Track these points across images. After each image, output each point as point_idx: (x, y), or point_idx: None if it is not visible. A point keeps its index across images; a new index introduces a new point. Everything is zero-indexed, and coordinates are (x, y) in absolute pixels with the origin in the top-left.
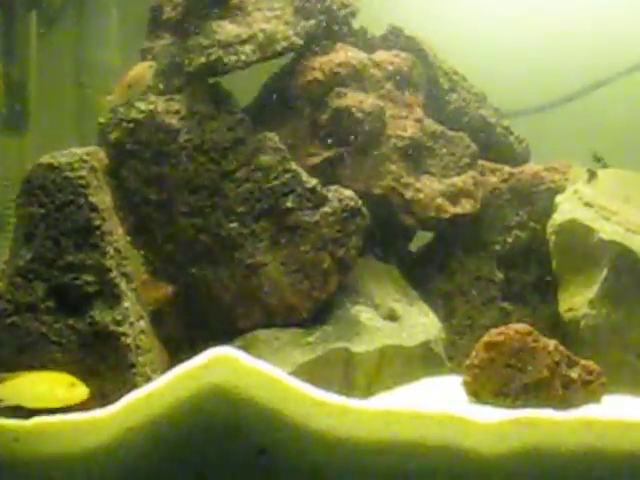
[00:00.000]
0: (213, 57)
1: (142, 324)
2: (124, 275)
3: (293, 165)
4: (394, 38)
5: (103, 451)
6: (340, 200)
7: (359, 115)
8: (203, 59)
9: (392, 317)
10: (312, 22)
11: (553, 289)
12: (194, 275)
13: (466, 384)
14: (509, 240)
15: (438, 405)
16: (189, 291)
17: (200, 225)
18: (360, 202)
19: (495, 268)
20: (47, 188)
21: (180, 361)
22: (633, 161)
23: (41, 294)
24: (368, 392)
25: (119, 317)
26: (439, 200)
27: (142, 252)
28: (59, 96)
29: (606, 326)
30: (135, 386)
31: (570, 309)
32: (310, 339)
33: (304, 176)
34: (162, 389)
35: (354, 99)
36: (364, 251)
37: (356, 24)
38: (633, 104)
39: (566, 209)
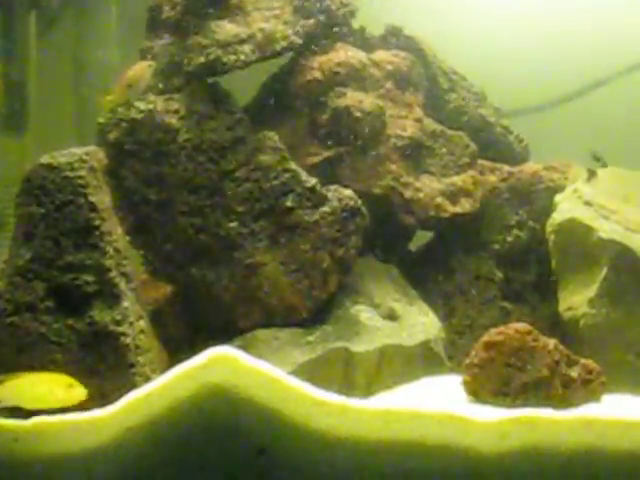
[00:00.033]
0: (212, 57)
1: (141, 324)
2: (123, 275)
3: (292, 165)
4: (393, 38)
5: (102, 451)
6: (340, 200)
7: (358, 115)
8: (202, 59)
9: (392, 317)
10: (311, 22)
11: (553, 288)
12: (193, 275)
13: (466, 383)
14: (509, 239)
15: (438, 404)
16: (188, 291)
17: (199, 225)
18: (360, 202)
19: (495, 267)
20: (47, 188)
21: (179, 361)
22: (632, 160)
23: (41, 294)
24: (368, 392)
25: (118, 317)
26: (439, 199)
27: (141, 252)
28: (58, 96)
29: (606, 325)
30: (134, 386)
31: (570, 308)
32: (310, 339)
33: (303, 176)
34: (161, 389)
35: (354, 99)
36: (364, 251)
37: (355, 24)
38: (632, 103)
39: (565, 208)
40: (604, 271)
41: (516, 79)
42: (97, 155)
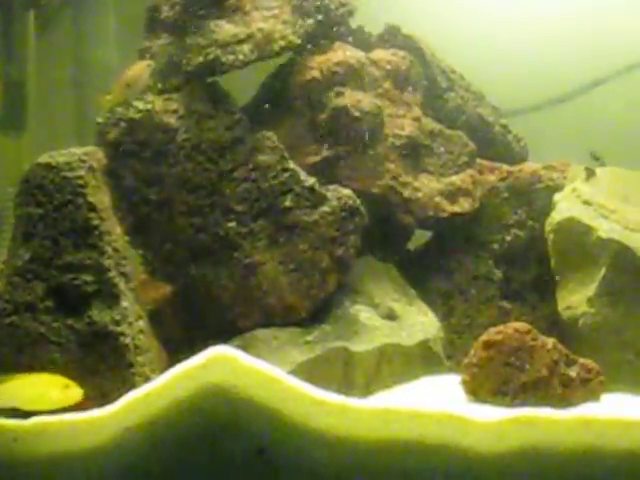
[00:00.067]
0: (211, 56)
1: (141, 324)
2: (123, 275)
3: (291, 164)
4: (392, 37)
5: (102, 451)
6: (339, 199)
7: (357, 114)
8: (201, 58)
9: (391, 316)
10: (310, 21)
11: (552, 287)
12: (193, 274)
13: (465, 383)
14: (508, 239)
15: (437, 404)
16: (188, 290)
17: (198, 224)
18: (358, 201)
19: (494, 267)
20: (45, 188)
21: (179, 361)
22: (631, 159)
23: (40, 294)
24: (367, 391)
25: (118, 317)
26: (437, 199)
27: (140, 252)
28: (57, 96)
29: (605, 324)
30: (134, 386)
31: (569, 307)
32: (309, 338)
33: (302, 175)
34: (160, 389)
35: (352, 98)
36: (363, 250)
37: (354, 23)
38: (631, 102)
39: (564, 207)
40: (603, 270)
41: (515, 78)
42: (96, 155)
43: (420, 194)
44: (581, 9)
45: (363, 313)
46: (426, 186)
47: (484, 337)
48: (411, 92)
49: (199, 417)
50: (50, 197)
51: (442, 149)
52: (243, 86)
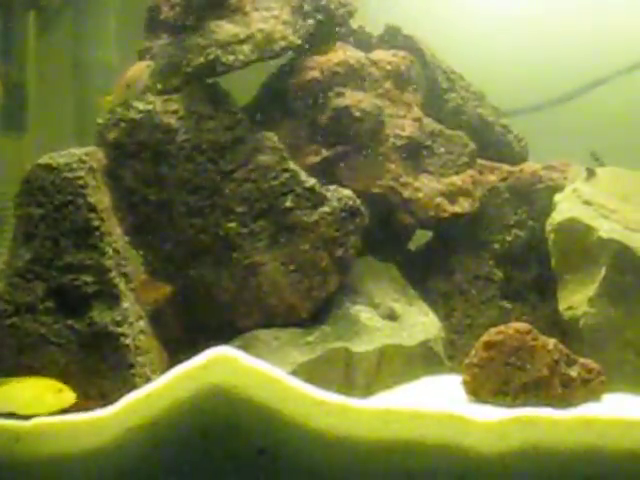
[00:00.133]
0: (211, 57)
1: (141, 324)
2: (123, 275)
3: (292, 165)
4: (392, 37)
5: (103, 451)
6: (339, 199)
7: (358, 114)
8: (201, 59)
9: (391, 316)
10: (310, 22)
11: (552, 288)
12: (193, 275)
13: (465, 383)
14: (508, 239)
15: (438, 404)
16: (188, 291)
17: (199, 225)
18: (359, 201)
19: (494, 267)
20: (46, 189)
21: (179, 361)
22: (632, 159)
23: (40, 295)
24: (368, 391)
25: (118, 317)
26: (438, 199)
27: (141, 252)
28: (57, 96)
29: (606, 324)
30: (134, 386)
31: (569, 307)
32: (309, 339)
33: (303, 176)
34: (161, 389)
35: (353, 98)
36: (363, 251)
37: (354, 23)
38: (632, 103)
39: (565, 208)
40: (604, 270)
41: (515, 78)
42: (96, 155)
43: (421, 194)
44: (581, 9)
45: (364, 313)
46: (427, 186)
47: (485, 337)
48: (411, 92)
49: (200, 417)
50: (50, 198)
51: (442, 149)
52: (243, 87)
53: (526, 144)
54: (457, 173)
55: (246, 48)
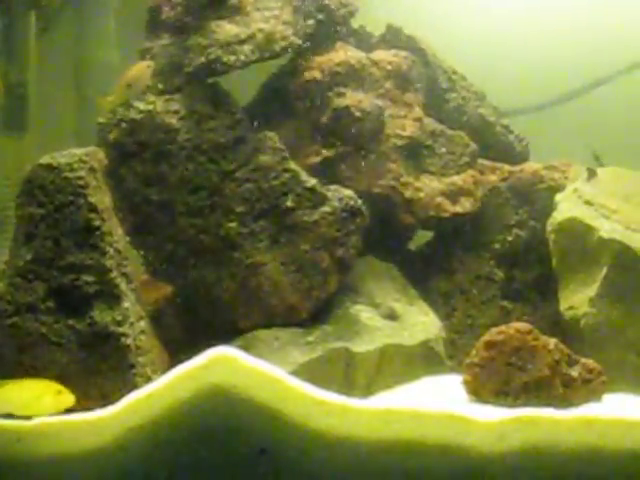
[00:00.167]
0: (212, 57)
1: (142, 324)
2: (124, 275)
3: (292, 165)
4: (393, 37)
5: (104, 451)
6: (340, 199)
7: (358, 114)
8: (202, 59)
9: (392, 316)
10: (311, 22)
11: (553, 287)
12: (194, 275)
13: (466, 383)
14: (509, 239)
15: (438, 404)
16: (189, 291)
17: (200, 225)
18: (360, 201)
19: (495, 267)
20: (47, 188)
21: (180, 361)
22: (633, 159)
23: (41, 294)
24: (368, 391)
25: (119, 317)
26: (439, 199)
27: (142, 252)
28: (58, 96)
29: (606, 324)
30: (135, 386)
31: (570, 307)
32: (310, 339)
33: (303, 176)
34: (162, 389)
35: (353, 98)
36: (364, 250)
37: (355, 23)
38: (633, 102)
39: (566, 208)
40: (605, 270)
41: (516, 78)
42: (97, 155)
43: (422, 194)
44: (583, 8)
45: (364, 313)
46: (428, 186)
47: (486, 337)
48: (412, 92)
49: (201, 417)
50: (51, 198)
51: (443, 149)
52: (244, 87)
53: (527, 144)
54: (458, 173)
55: (247, 48)
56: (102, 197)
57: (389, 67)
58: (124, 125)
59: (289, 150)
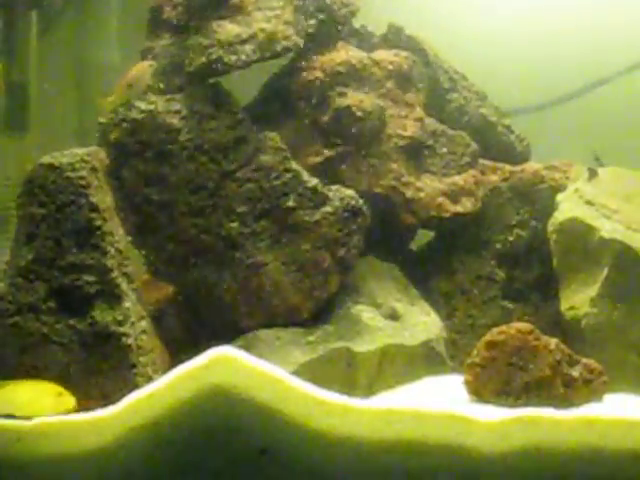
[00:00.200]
0: (213, 57)
1: (143, 324)
2: (125, 275)
3: (294, 165)
4: (394, 37)
5: (105, 451)
6: (341, 199)
7: (360, 114)
8: (203, 59)
9: (393, 316)
10: (312, 21)
11: (554, 288)
12: (195, 275)
13: (467, 383)
14: (510, 239)
15: (440, 404)
16: (190, 291)
17: (201, 225)
18: (361, 201)
19: (496, 267)
20: (48, 188)
21: (181, 361)
22: (634, 159)
23: (42, 294)
24: (369, 391)
25: (120, 317)
26: (440, 199)
27: (143, 252)
28: (59, 96)
29: (608, 324)
30: (136, 386)
31: (571, 307)
32: (311, 339)
33: (305, 176)
34: (163, 389)
35: (354, 98)
36: (365, 250)
37: (356, 23)
38: (634, 102)
39: (567, 208)
40: (606, 270)
41: (517, 78)
42: (98, 155)
43: (423, 194)
44: (583, 8)
45: (365, 313)
46: (429, 186)
47: (487, 337)
48: (414, 92)
49: (201, 418)
50: (53, 197)
51: (445, 149)
52: (245, 87)
53: (528, 144)
54: (459, 173)
55: (248, 48)
56: (103, 197)
57: (390, 67)
58: (125, 125)
59: (290, 150)
